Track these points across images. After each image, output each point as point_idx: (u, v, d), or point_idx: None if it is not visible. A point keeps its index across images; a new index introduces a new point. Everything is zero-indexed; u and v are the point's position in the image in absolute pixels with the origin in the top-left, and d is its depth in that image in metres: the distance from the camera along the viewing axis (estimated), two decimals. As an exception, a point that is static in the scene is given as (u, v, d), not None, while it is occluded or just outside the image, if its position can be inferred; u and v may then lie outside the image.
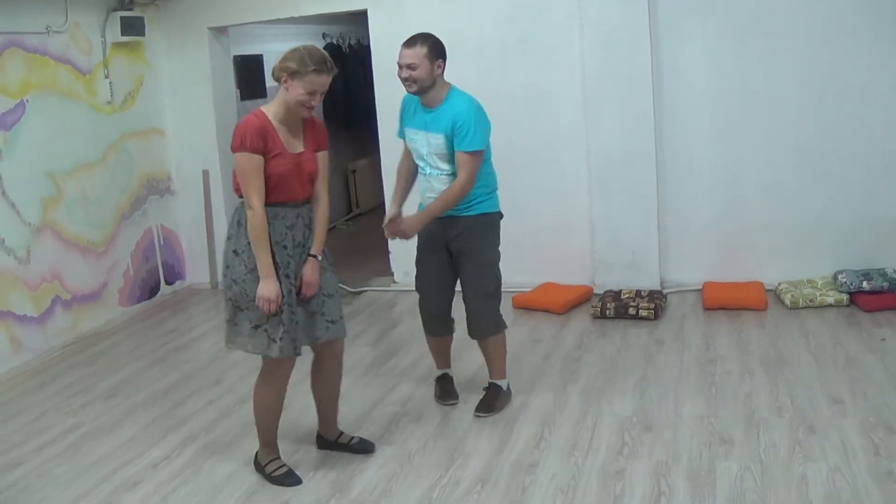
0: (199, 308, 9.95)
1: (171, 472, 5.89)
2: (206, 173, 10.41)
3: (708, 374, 6.89)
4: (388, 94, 8.82)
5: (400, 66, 6.02)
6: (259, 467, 5.79)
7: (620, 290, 8.80)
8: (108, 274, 9.46)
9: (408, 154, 6.45)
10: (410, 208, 6.38)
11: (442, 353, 6.82)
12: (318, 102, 5.44)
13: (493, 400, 6.53)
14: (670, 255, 9.09)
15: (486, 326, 6.42)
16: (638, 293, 8.68)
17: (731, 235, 8.94)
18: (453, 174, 6.06)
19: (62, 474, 5.95)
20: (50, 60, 8.75)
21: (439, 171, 6.14)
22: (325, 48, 13.58)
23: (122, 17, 9.48)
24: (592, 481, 5.37)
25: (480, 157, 6.00)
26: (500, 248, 6.42)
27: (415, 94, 6.11)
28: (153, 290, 10.21)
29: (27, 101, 8.44)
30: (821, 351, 7.22)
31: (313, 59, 5.33)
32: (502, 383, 6.60)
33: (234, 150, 5.30)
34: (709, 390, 6.58)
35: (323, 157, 5.62)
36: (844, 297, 8.25)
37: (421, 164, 6.28)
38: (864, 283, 8.18)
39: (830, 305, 8.26)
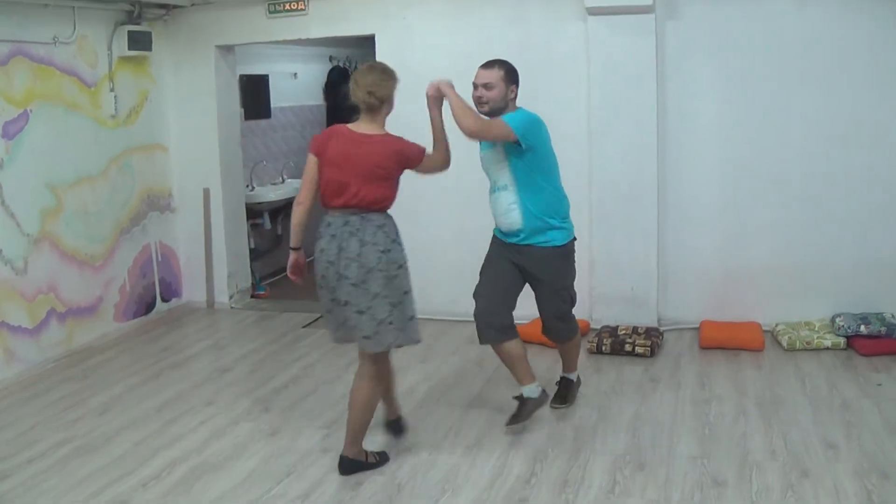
0: (194, 326, 9.92)
1: (160, 491, 5.85)
2: (206, 192, 10.39)
3: (702, 414, 6.86)
4: (391, 118, 8.84)
5: (475, 86, 6.35)
6: (359, 464, 6.01)
7: (617, 326, 8.77)
8: (104, 288, 9.42)
9: None
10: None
11: (510, 366, 6.67)
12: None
13: (566, 392, 7.08)
14: (669, 292, 9.08)
15: (560, 336, 6.86)
16: (635, 329, 8.65)
17: (730, 274, 8.92)
18: (514, 190, 6.28)
19: (50, 489, 5.91)
20: (56, 71, 8.75)
21: (501, 189, 6.35)
22: (331, 71, 13.66)
23: (129, 32, 9.46)
24: (583, 519, 5.35)
25: (509, 133, 6.11)
26: None
27: (486, 114, 6.27)
28: (149, 307, 10.18)
29: (31, 110, 8.42)
30: (816, 394, 7.19)
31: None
32: (572, 376, 7.11)
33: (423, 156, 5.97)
34: (703, 430, 6.54)
35: None
36: (842, 340, 8.23)
37: (490, 184, 6.49)
38: (862, 328, 8.16)
39: (827, 348, 8.23)
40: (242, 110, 11.23)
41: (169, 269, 10.53)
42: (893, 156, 8.42)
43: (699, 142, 8.81)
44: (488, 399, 7.30)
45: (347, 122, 5.89)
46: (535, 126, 6.27)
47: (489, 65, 6.36)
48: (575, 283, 6.73)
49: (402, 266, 5.87)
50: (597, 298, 9.11)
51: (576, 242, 6.62)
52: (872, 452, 6.03)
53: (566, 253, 6.51)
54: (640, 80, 8.68)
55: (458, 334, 8.62)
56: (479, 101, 6.29)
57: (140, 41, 9.62)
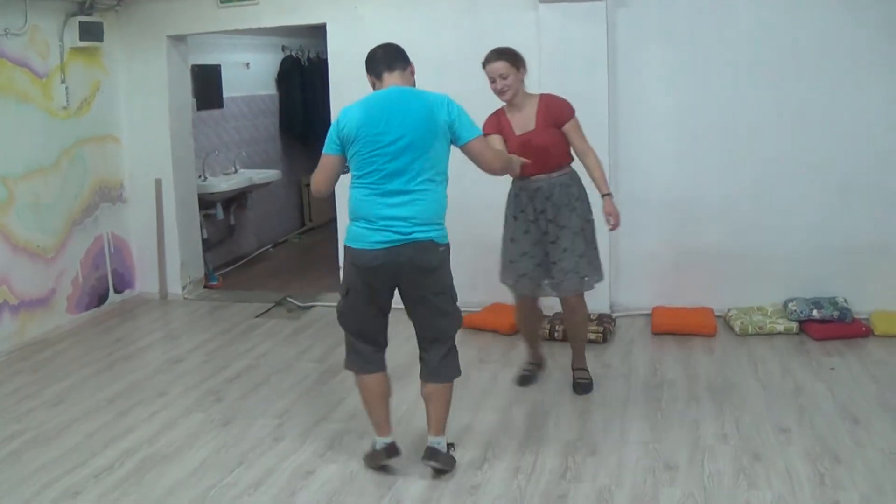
0: (147, 318, 9.88)
1: (113, 482, 5.84)
2: (158, 182, 10.34)
3: (654, 400, 6.90)
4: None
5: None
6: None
7: (570, 313, 8.77)
8: (56, 280, 9.37)
9: None
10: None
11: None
12: (501, 86, 6.94)
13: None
14: (621, 279, 9.11)
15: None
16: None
17: (682, 260, 8.97)
18: None
19: (2, 481, 5.89)
20: (7, 63, 8.68)
21: None
22: (284, 61, 13.61)
23: (81, 22, 9.40)
24: (535, 504, 5.36)
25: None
26: (452, 268, 6.21)
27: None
28: (102, 298, 10.13)
29: (-19, 102, 8.37)
30: (769, 378, 7.25)
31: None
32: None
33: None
34: (655, 415, 6.58)
35: (568, 127, 7.03)
36: (794, 325, 8.29)
37: None
38: (815, 312, 8.22)
39: (780, 333, 8.29)
40: (194, 100, 11.20)
41: (121, 260, 10.48)
42: (844, 142, 8.49)
43: (650, 129, 8.86)
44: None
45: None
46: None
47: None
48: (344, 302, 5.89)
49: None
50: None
51: (354, 255, 5.66)
52: (825, 436, 6.09)
53: (345, 253, 5.75)
54: (591, 68, 8.69)
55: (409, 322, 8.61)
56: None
57: (91, 32, 9.56)
